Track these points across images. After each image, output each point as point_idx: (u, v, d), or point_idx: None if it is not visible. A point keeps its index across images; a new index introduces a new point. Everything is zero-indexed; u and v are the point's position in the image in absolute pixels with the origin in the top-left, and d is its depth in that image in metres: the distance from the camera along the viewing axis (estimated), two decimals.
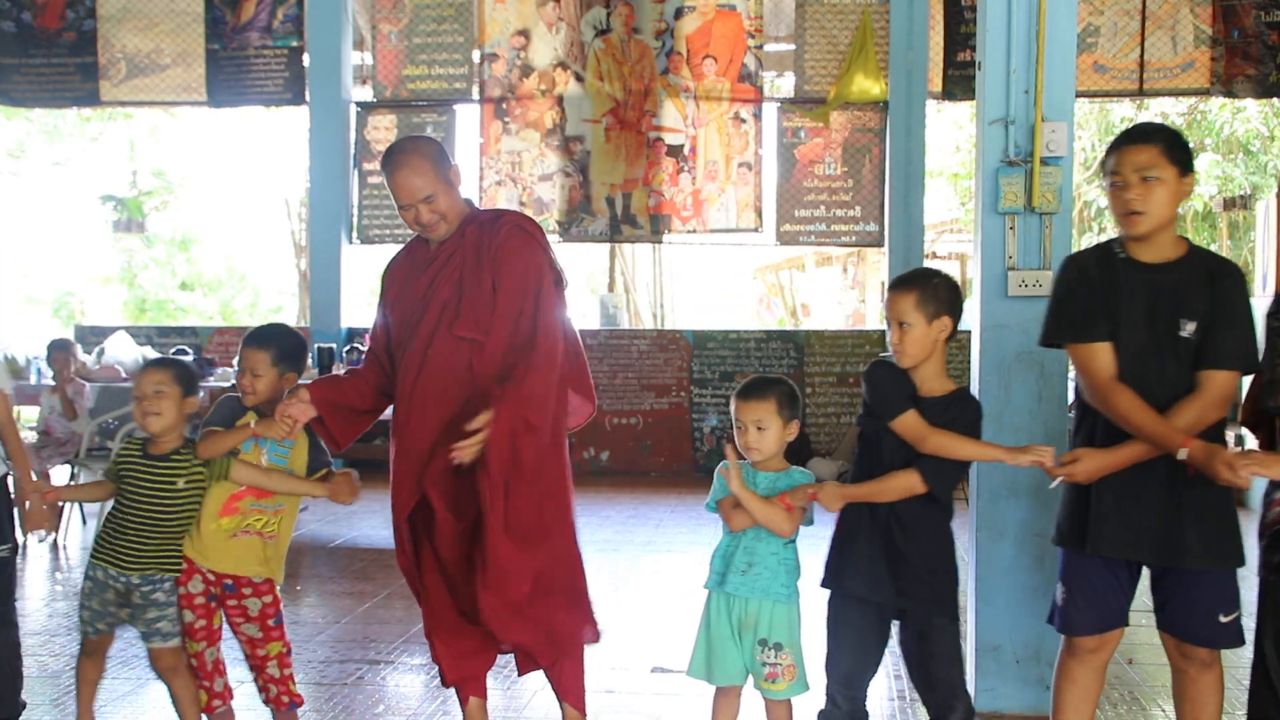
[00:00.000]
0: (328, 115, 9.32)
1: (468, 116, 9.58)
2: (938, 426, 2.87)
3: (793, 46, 9.46)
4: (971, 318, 3.85)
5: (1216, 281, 2.85)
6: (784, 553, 3.02)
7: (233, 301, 19.77)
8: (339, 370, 7.48)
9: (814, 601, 3.10)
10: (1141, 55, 8.95)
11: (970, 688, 3.34)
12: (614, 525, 7.23)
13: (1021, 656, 3.81)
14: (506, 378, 3.08)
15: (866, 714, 3.08)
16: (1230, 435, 4.96)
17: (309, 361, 7.17)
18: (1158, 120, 13.10)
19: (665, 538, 6.78)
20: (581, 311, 12.05)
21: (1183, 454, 2.74)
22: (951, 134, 15.45)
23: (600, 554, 6.28)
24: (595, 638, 3.39)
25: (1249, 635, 2.93)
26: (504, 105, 9.43)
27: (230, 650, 3.40)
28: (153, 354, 8.61)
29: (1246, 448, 3.22)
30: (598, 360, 9.21)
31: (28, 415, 8.46)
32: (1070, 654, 3.06)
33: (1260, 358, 2.90)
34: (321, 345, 7.99)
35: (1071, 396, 3.64)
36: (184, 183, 17.82)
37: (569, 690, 3.41)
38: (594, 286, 17.67)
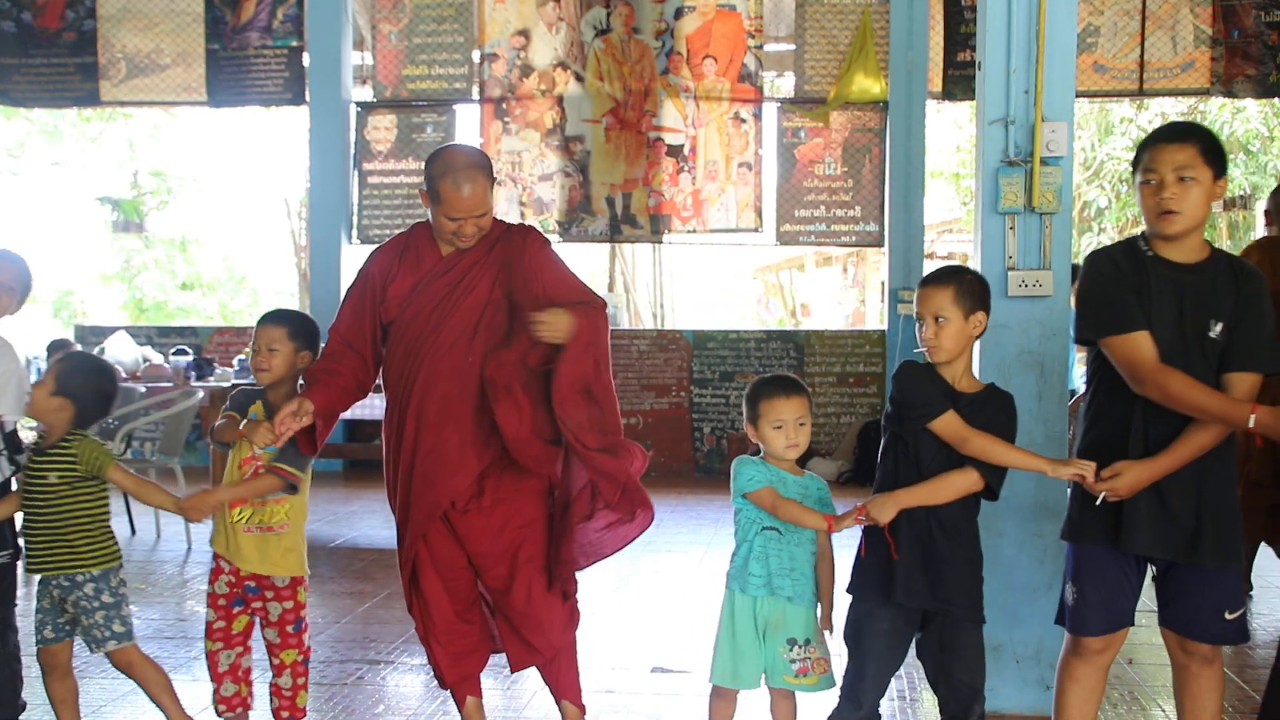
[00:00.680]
0: (328, 115, 9.33)
1: (468, 116, 9.58)
2: (975, 426, 2.84)
3: (793, 46, 9.46)
4: None
5: (1241, 284, 2.85)
6: (812, 555, 3.04)
7: (232, 301, 19.76)
8: None
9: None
10: (1141, 55, 8.95)
11: None
12: None
13: (1021, 657, 3.81)
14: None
15: (879, 717, 3.06)
16: None
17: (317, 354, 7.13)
18: (1157, 120, 13.12)
19: (665, 538, 6.77)
20: None
21: (1252, 421, 2.72)
22: (951, 134, 15.46)
23: None
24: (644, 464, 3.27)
25: (1260, 635, 2.92)
26: (504, 105, 9.43)
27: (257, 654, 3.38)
28: (153, 354, 8.61)
29: None
30: None
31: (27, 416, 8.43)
32: (1076, 654, 3.04)
33: None
34: (321, 345, 7.96)
35: (1071, 398, 3.63)
36: (183, 183, 17.81)
37: (567, 688, 3.42)
38: (594, 286, 17.64)
